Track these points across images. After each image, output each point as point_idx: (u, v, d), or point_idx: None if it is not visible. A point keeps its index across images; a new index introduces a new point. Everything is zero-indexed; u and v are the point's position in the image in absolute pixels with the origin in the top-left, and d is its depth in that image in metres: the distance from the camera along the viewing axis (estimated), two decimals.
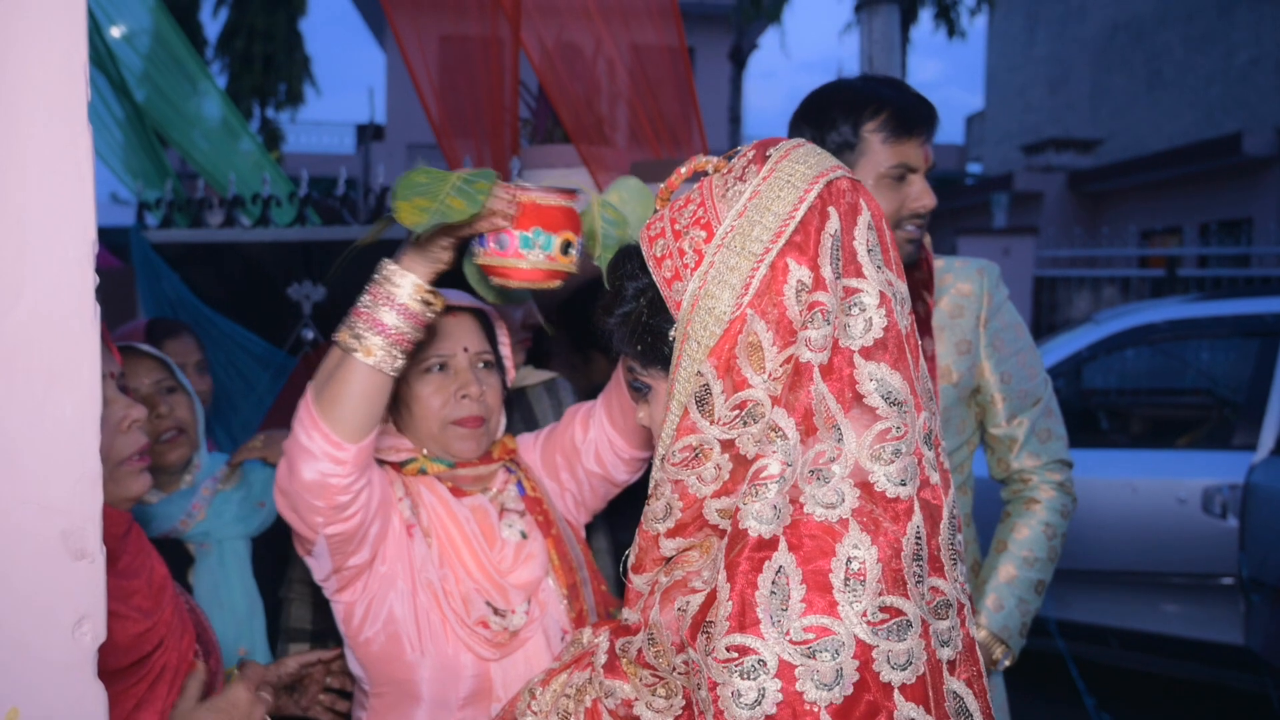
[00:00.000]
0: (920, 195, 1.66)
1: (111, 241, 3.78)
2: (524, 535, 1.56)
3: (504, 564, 1.51)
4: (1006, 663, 1.78)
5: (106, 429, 1.37)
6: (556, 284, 1.33)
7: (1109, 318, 4.60)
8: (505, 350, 1.64)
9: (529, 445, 1.69)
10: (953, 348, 1.80)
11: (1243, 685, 3.93)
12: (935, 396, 1.10)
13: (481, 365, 1.56)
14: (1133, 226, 13.24)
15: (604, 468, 1.60)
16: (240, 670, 1.58)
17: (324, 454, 1.30)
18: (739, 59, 15.50)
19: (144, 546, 1.46)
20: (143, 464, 1.37)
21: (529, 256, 1.28)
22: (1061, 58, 17.02)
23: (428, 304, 1.30)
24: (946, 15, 16.39)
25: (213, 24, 20.62)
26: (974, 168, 20.86)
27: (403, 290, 1.27)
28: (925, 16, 16.68)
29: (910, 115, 1.64)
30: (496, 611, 1.47)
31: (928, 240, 1.82)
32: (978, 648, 0.97)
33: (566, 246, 1.30)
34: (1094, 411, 5.67)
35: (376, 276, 1.30)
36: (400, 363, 1.31)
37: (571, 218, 1.30)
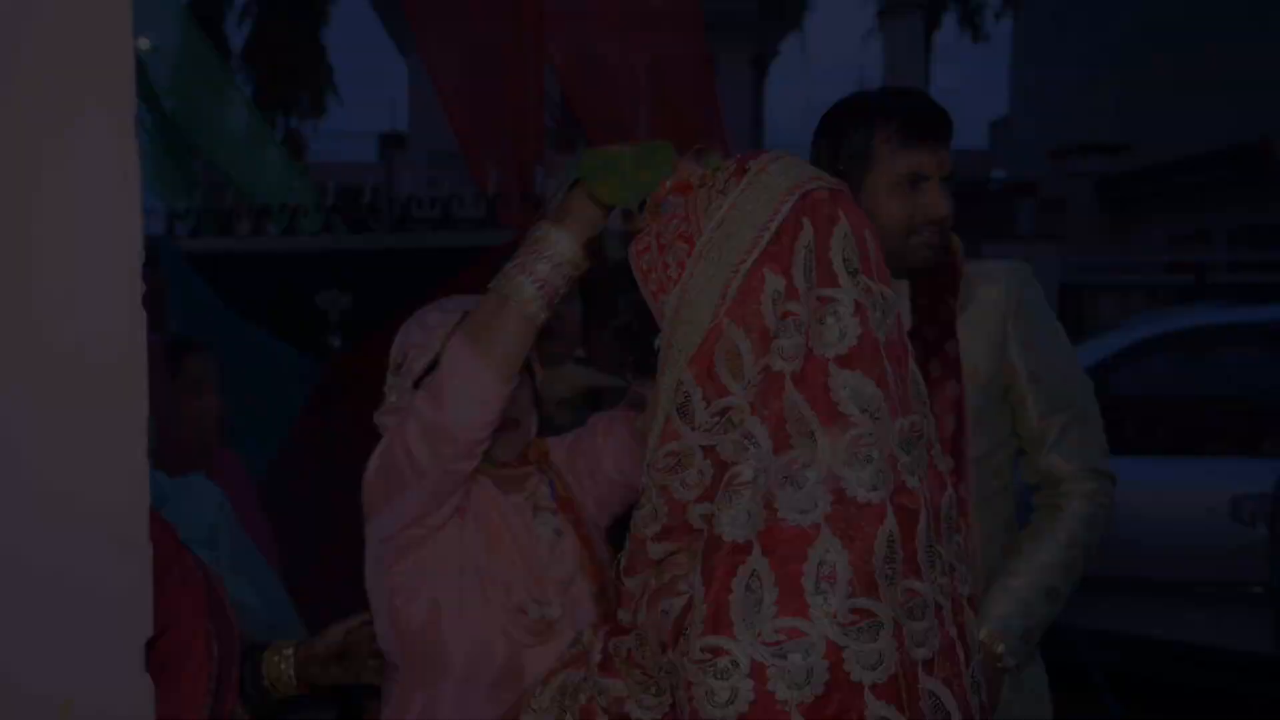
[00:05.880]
0: (933, 202, 1.65)
1: None
2: (558, 533, 1.63)
3: (540, 560, 1.59)
4: (1012, 662, 1.70)
5: None
6: None
7: (1136, 324, 4.57)
8: (533, 353, 1.69)
9: (558, 448, 1.75)
10: (979, 348, 1.78)
11: (1273, 695, 3.88)
12: (928, 400, 1.10)
13: None
14: (1161, 232, 13.10)
15: (625, 474, 1.65)
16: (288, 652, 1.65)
17: (482, 391, 1.41)
18: (760, 66, 15.52)
19: None
20: None
21: None
22: (1089, 61, 16.88)
23: (576, 265, 1.39)
24: (971, 20, 16.32)
25: (237, 34, 20.85)
26: (999, 174, 20.73)
27: (560, 249, 1.37)
28: (949, 21, 16.61)
29: (921, 122, 1.64)
30: (536, 601, 1.55)
31: (958, 245, 1.81)
32: (975, 647, 0.98)
33: None
34: (1121, 419, 5.62)
35: (535, 234, 1.39)
36: (545, 315, 1.41)
37: None
